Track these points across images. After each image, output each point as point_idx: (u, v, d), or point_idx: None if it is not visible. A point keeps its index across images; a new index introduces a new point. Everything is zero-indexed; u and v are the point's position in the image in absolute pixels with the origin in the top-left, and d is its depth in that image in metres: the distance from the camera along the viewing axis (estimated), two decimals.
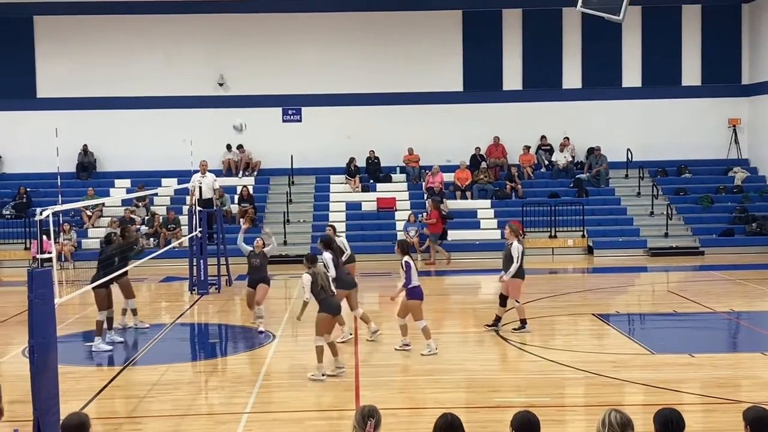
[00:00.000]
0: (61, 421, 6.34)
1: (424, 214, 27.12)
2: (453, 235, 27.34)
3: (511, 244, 15.22)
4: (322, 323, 12.43)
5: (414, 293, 13.54)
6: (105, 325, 14.78)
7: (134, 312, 16.39)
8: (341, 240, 16.59)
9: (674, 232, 27.79)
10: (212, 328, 17.27)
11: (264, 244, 16.32)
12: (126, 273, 15.52)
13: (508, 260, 15.14)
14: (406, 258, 13.47)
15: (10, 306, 18.77)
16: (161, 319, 17.83)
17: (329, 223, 18.20)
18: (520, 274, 15.22)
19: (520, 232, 15.70)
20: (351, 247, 16.60)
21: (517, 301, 15.26)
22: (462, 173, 29.72)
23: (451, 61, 30.89)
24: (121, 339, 15.33)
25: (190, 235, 20.75)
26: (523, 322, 15.34)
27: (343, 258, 15.88)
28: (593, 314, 16.78)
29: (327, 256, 14.66)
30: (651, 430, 5.74)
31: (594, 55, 30.86)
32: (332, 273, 14.04)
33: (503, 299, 15.49)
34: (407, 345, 13.99)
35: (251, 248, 16.19)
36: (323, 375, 12.25)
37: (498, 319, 15.56)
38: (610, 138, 30.46)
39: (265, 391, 11.94)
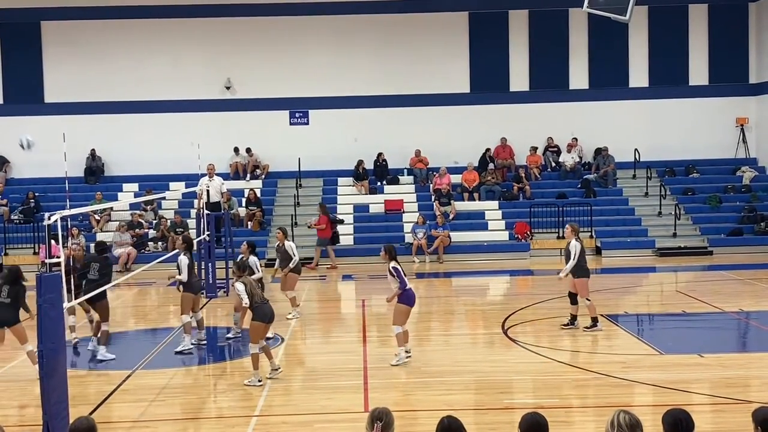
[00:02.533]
0: (69, 426, 6.34)
1: (314, 219, 27.01)
2: (461, 236, 27.31)
3: (569, 242, 15.46)
4: (256, 330, 12.46)
5: (405, 297, 13.26)
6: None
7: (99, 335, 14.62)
8: (290, 244, 17.17)
9: (682, 232, 27.71)
10: (220, 332, 17.27)
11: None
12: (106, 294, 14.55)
13: (568, 259, 15.43)
14: (393, 263, 13.20)
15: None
16: (169, 323, 17.86)
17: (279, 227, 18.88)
18: (585, 272, 15.51)
19: (579, 230, 15.90)
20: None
21: (587, 299, 15.44)
22: (469, 174, 29.70)
23: (458, 63, 30.88)
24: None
25: (198, 239, 20.75)
26: (594, 320, 15.47)
27: (291, 265, 17.00)
28: (602, 315, 16.72)
29: (253, 259, 15.54)
30: (660, 430, 5.72)
31: (601, 56, 30.81)
32: (259, 274, 14.67)
33: (573, 297, 15.70)
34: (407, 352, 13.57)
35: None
36: (259, 381, 12.25)
37: (574, 317, 15.75)
38: (618, 138, 30.41)
39: (274, 393, 11.93)
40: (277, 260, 17.86)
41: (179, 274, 14.85)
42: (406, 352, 13.44)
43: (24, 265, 26.10)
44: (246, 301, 12.37)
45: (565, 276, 15.54)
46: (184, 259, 14.87)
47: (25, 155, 30.23)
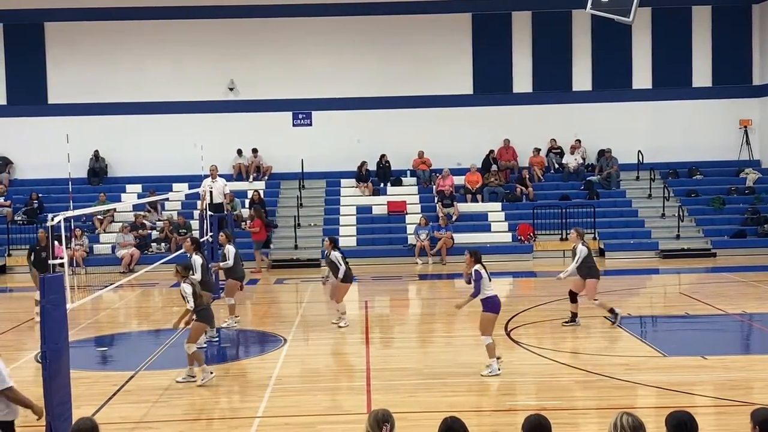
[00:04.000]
0: (72, 426, 6.35)
1: (248, 222, 26.96)
2: (464, 238, 27.30)
3: (575, 246, 15.68)
4: (198, 330, 12.79)
5: (489, 305, 12.69)
6: None
7: None
8: (336, 255, 16.72)
9: (686, 234, 27.69)
10: (223, 333, 17.27)
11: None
12: None
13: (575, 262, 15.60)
14: (477, 266, 12.60)
15: (22, 311, 18.82)
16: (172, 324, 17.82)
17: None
18: (594, 273, 15.75)
19: (584, 233, 16.01)
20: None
21: (594, 300, 15.62)
22: (472, 176, 29.69)
23: (461, 64, 30.88)
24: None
25: (201, 240, 20.75)
26: (612, 311, 15.71)
27: (340, 275, 16.43)
28: (605, 317, 16.72)
29: (335, 254, 15.73)
30: None
31: (604, 57, 30.80)
32: (198, 276, 14.52)
33: (573, 296, 15.90)
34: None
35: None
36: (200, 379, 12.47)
37: (574, 315, 15.98)
38: (621, 140, 30.41)
39: (277, 395, 11.93)
40: (327, 270, 17.25)
41: (192, 274, 14.83)
42: (498, 358, 12.85)
43: (27, 266, 26.34)
44: (191, 304, 12.57)
45: (566, 277, 15.65)
46: (197, 259, 14.87)
47: (29, 156, 30.35)
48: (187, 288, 12.49)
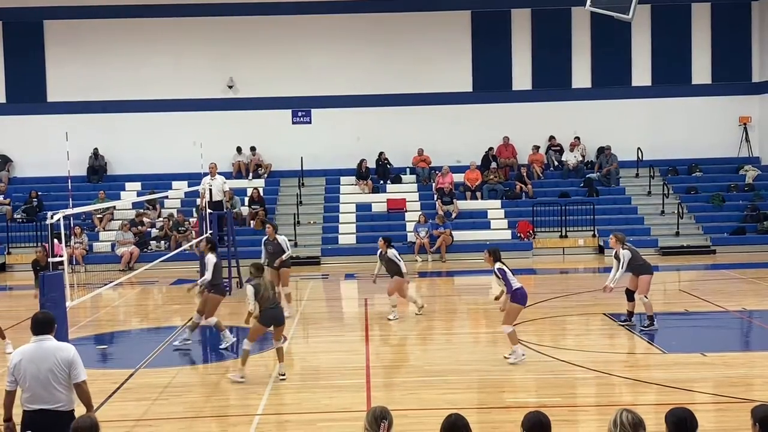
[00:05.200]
0: (71, 424, 6.34)
1: (192, 220, 26.88)
2: (463, 235, 27.31)
3: (616, 251, 15.35)
4: (255, 331, 12.59)
5: (518, 296, 13.04)
6: None
7: None
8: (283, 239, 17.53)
9: (685, 231, 27.69)
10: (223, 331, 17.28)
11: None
12: None
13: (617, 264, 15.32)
14: (498, 265, 12.97)
15: (22, 309, 18.80)
16: (172, 322, 17.86)
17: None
18: (647, 270, 15.46)
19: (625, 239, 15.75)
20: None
21: (645, 297, 15.35)
22: (472, 174, 29.69)
23: (460, 62, 30.87)
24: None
25: (201, 238, 20.77)
26: (651, 318, 15.40)
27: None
28: (604, 314, 16.74)
29: (392, 252, 16.05)
30: (663, 429, 5.72)
31: (603, 55, 30.80)
32: (209, 276, 14.63)
33: (630, 294, 15.72)
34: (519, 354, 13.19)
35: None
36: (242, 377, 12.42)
37: (630, 314, 15.78)
38: (620, 137, 30.40)
39: (277, 392, 11.94)
40: (379, 268, 17.33)
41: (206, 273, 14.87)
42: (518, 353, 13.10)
43: (26, 264, 26.35)
44: (251, 306, 12.41)
45: (614, 285, 15.31)
46: (211, 258, 14.83)
47: (29, 154, 30.35)
48: (249, 289, 12.44)
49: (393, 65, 30.71)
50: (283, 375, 12.49)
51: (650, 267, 15.74)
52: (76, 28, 30.46)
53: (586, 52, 30.92)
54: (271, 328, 12.65)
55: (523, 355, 13.09)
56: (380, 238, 17.46)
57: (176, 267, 25.06)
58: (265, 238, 17.87)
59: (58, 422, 7.22)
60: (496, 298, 13.84)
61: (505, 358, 13.14)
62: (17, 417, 7.52)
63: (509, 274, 12.99)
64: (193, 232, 26.00)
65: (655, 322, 15.39)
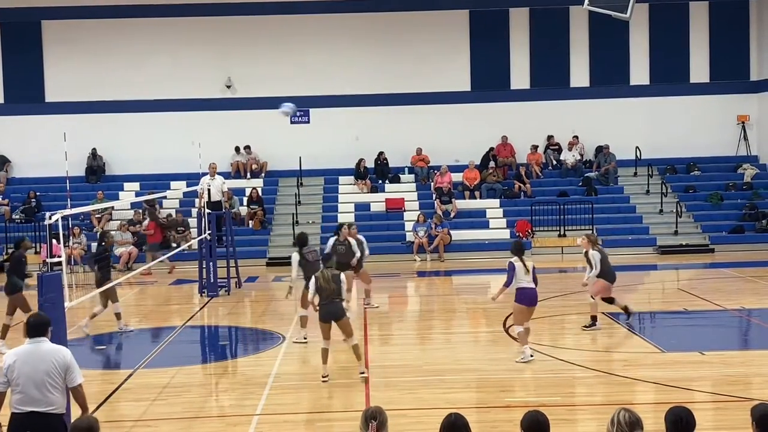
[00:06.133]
0: (70, 424, 6.34)
1: (145, 222, 26.80)
2: (462, 234, 27.32)
3: (587, 251, 15.38)
4: (321, 328, 12.44)
5: (519, 295, 13.05)
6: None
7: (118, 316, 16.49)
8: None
9: (684, 230, 27.70)
10: (222, 331, 17.31)
11: None
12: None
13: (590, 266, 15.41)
14: (513, 258, 13.02)
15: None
16: (171, 322, 17.87)
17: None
18: (608, 276, 15.39)
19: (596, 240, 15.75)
20: None
21: (593, 297, 15.40)
22: (471, 173, 29.69)
23: (459, 61, 30.86)
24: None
25: (200, 238, 20.79)
26: (593, 318, 15.45)
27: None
28: (603, 313, 16.73)
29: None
30: (662, 428, 5.72)
31: (602, 53, 30.80)
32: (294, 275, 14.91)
33: (609, 300, 15.75)
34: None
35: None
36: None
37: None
38: (619, 136, 30.39)
39: (276, 392, 11.93)
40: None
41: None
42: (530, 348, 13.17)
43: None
44: (311, 295, 12.38)
45: (588, 281, 15.41)
46: (295, 256, 14.87)
47: (27, 154, 30.34)
48: (310, 285, 12.40)
49: (391, 64, 30.70)
50: (363, 372, 12.27)
51: (613, 275, 15.58)
52: (74, 28, 30.43)
53: (584, 51, 30.92)
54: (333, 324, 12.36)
55: (532, 356, 13.06)
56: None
57: (175, 267, 25.09)
58: (335, 238, 17.52)
59: (49, 425, 7.22)
60: (493, 298, 13.66)
61: (516, 362, 13.09)
62: (4, 417, 7.50)
63: (519, 271, 12.91)
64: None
65: (597, 323, 15.43)
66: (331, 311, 12.23)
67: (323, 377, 12.21)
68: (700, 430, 5.83)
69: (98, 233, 20.46)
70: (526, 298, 13.07)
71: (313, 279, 12.39)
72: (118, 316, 16.43)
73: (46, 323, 7.60)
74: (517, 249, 13.19)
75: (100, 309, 16.15)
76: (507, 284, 13.09)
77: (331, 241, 17.49)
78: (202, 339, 16.90)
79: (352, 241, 17.36)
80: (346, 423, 10.44)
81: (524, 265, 12.96)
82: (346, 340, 12.36)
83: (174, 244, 25.50)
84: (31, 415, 7.27)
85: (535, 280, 13.06)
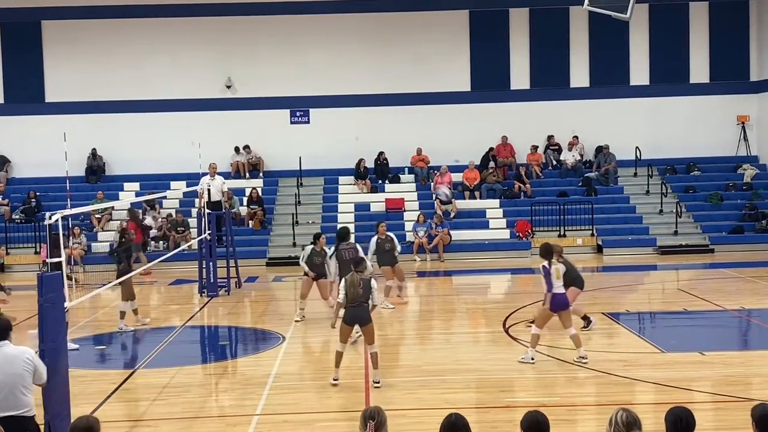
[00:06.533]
0: (70, 424, 6.34)
1: (125, 223, 26.69)
2: (462, 234, 27.32)
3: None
4: (340, 331, 12.31)
5: (555, 300, 12.89)
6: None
7: (135, 311, 17.07)
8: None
9: (684, 230, 27.70)
10: (222, 331, 17.31)
11: None
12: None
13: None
14: (544, 263, 12.82)
15: (20, 310, 18.77)
16: (171, 322, 17.88)
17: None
18: (576, 283, 15.01)
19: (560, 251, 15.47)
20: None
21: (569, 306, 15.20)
22: (471, 173, 29.69)
23: (459, 61, 30.87)
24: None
25: (199, 238, 20.79)
26: (586, 318, 15.44)
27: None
28: (603, 313, 16.74)
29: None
30: (662, 429, 5.72)
31: (602, 54, 30.80)
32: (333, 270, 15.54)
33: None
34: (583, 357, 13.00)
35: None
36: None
37: (585, 318, 15.53)
38: (619, 136, 30.39)
39: (276, 392, 11.93)
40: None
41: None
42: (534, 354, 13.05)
43: (25, 264, 26.39)
44: (341, 297, 12.11)
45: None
46: (307, 250, 15.42)
47: (27, 154, 30.32)
48: (342, 283, 12.26)
49: (391, 65, 30.71)
50: (378, 383, 11.96)
51: (581, 281, 15.33)
52: (74, 28, 30.42)
53: (584, 51, 30.93)
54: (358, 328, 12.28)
55: (533, 359, 12.98)
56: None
57: (175, 267, 25.09)
58: (376, 237, 18.22)
59: (25, 429, 7.22)
60: (543, 305, 13.35)
61: (518, 361, 13.11)
62: None
63: (553, 276, 12.79)
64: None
65: (592, 320, 15.46)
66: (357, 315, 12.07)
67: (333, 380, 12.11)
68: (700, 431, 5.83)
69: (118, 230, 21.31)
70: (557, 305, 12.92)
71: (343, 281, 12.25)
72: (122, 315, 16.48)
73: (7, 327, 7.67)
74: (547, 252, 12.92)
75: (131, 304, 16.80)
76: (549, 290, 12.84)
77: (374, 239, 18.20)
78: (202, 339, 16.90)
79: (392, 236, 18.27)
80: (345, 423, 10.44)
81: (556, 269, 12.82)
82: (370, 348, 12.18)
83: (149, 248, 25.79)
84: (6, 420, 7.26)
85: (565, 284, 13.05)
